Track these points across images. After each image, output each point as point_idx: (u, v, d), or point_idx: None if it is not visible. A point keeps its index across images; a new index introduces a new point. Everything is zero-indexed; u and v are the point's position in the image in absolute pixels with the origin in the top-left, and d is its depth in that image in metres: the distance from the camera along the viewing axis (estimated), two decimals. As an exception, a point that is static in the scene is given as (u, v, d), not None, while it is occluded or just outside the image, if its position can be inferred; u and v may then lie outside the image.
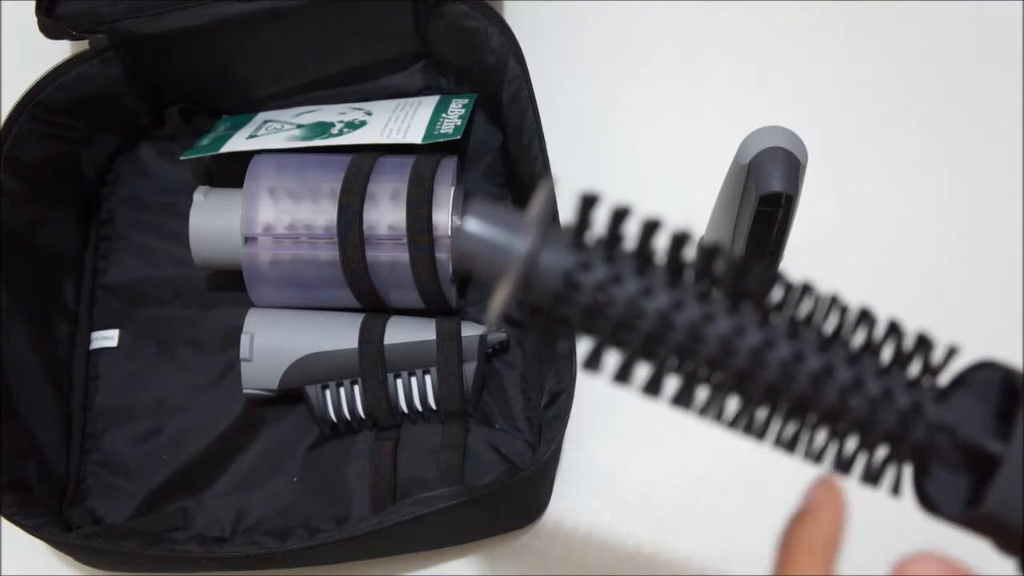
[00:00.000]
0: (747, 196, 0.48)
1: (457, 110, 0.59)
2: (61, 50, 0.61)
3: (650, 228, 0.26)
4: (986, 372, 0.29)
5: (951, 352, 0.29)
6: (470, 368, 0.55)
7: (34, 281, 0.57)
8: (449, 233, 0.54)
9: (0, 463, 0.51)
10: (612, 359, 0.28)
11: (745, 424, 0.29)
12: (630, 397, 0.60)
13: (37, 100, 0.56)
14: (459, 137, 0.55)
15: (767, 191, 0.46)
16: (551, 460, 0.51)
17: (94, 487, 0.57)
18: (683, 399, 0.28)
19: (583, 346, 0.28)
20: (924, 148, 0.64)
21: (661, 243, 0.27)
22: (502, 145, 0.62)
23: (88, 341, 0.60)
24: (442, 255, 0.54)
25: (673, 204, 0.61)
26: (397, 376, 0.55)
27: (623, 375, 0.27)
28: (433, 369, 0.54)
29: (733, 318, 0.27)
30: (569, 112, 0.63)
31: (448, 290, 0.55)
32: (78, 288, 0.61)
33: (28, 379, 0.55)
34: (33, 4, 0.57)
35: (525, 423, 0.56)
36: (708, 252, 0.27)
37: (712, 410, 0.28)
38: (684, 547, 0.55)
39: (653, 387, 0.28)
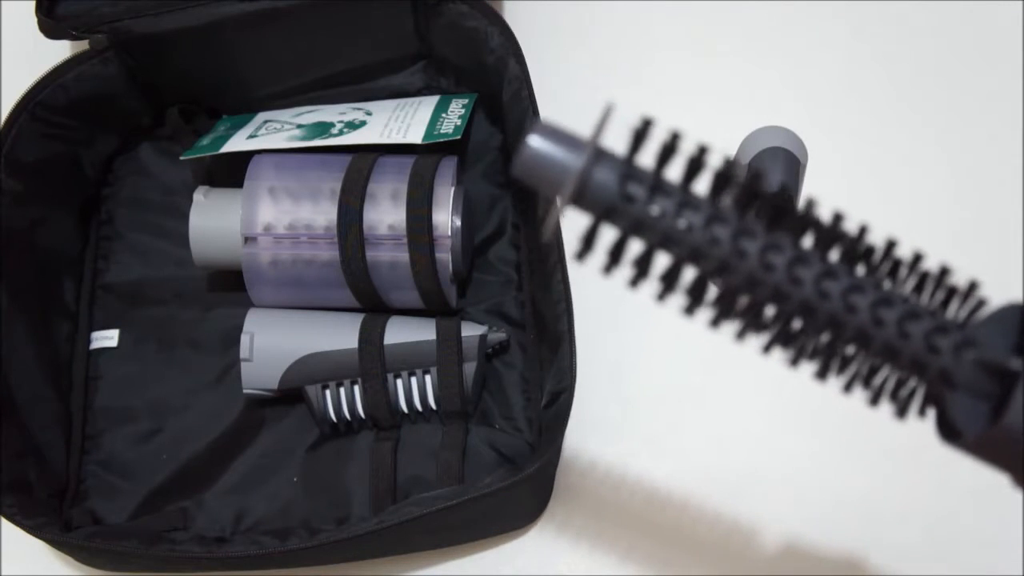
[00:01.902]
0: (747, 196, 0.48)
1: (457, 110, 0.59)
2: (61, 50, 0.61)
3: (699, 153, 0.28)
4: (1008, 309, 0.31)
5: (972, 285, 0.30)
6: (470, 368, 0.55)
7: (34, 281, 0.57)
8: (449, 233, 0.54)
9: (0, 463, 0.51)
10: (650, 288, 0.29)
11: (781, 343, 0.30)
12: (630, 398, 0.60)
13: (37, 100, 0.56)
14: (459, 137, 0.55)
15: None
16: (551, 460, 0.51)
17: (94, 487, 0.57)
18: (722, 316, 0.29)
19: (628, 268, 0.29)
20: (924, 147, 0.64)
21: (709, 167, 0.28)
22: (502, 145, 0.61)
23: (88, 341, 0.60)
24: (442, 255, 0.54)
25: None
26: (397, 376, 0.55)
27: (667, 287, 0.29)
28: (433, 369, 0.54)
29: (770, 236, 0.28)
30: (569, 112, 0.63)
31: (448, 290, 0.55)
32: (78, 288, 0.61)
33: (28, 379, 0.55)
34: (33, 4, 0.57)
35: (525, 423, 0.56)
36: (751, 177, 0.28)
37: (750, 329, 0.30)
38: (684, 547, 0.55)
39: (694, 305, 0.29)
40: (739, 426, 0.57)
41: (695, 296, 0.29)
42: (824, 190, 0.55)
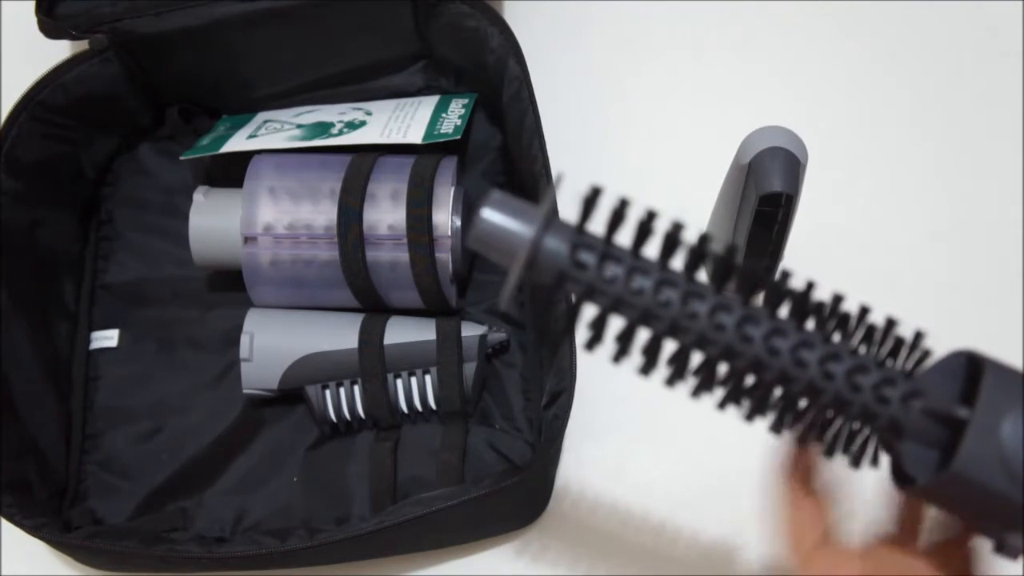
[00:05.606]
0: (747, 196, 0.48)
1: (457, 110, 0.59)
2: (61, 50, 0.61)
3: (647, 218, 0.28)
4: (954, 357, 0.32)
5: (918, 335, 0.31)
6: (470, 368, 0.55)
7: (34, 281, 0.57)
8: (449, 233, 0.54)
9: (0, 463, 0.51)
10: (609, 346, 0.30)
11: (734, 399, 0.31)
12: (629, 398, 0.60)
13: (37, 100, 0.56)
14: (459, 137, 0.55)
15: (767, 191, 0.46)
16: (551, 460, 0.51)
17: (94, 487, 0.57)
18: (675, 377, 0.30)
19: (582, 332, 0.30)
20: (924, 148, 0.64)
21: (657, 231, 0.29)
22: (502, 145, 0.62)
23: (88, 341, 0.60)
24: (442, 255, 0.54)
25: (673, 204, 0.61)
26: (397, 376, 0.55)
27: (621, 353, 0.29)
28: (433, 369, 0.54)
29: (718, 297, 0.29)
30: (569, 112, 0.63)
31: (448, 290, 0.55)
32: (78, 288, 0.61)
33: (28, 379, 0.55)
34: (33, 4, 0.57)
35: (525, 423, 0.56)
36: (699, 241, 0.29)
37: (704, 388, 0.30)
38: (684, 547, 0.55)
39: (648, 366, 0.30)
40: (738, 426, 0.57)
41: (650, 357, 0.30)
42: (824, 190, 0.55)
